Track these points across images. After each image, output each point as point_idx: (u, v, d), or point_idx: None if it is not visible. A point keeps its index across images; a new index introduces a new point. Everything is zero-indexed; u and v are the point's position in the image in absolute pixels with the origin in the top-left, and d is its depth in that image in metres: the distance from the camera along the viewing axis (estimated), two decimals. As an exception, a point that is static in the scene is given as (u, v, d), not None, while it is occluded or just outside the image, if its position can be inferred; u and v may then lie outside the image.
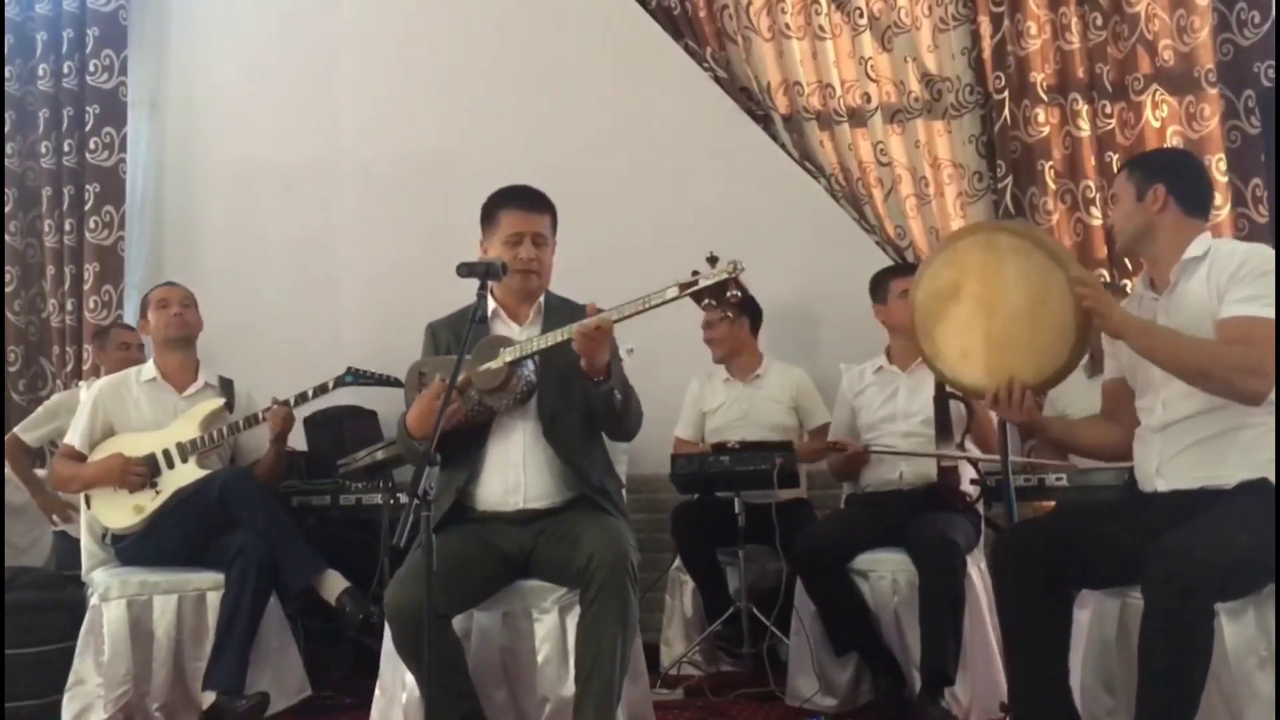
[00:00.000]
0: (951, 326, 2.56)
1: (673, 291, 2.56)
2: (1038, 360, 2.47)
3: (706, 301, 2.43)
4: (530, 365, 2.69)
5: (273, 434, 3.55)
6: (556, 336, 2.62)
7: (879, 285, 3.70)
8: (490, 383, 2.67)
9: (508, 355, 2.66)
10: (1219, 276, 2.35)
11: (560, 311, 2.90)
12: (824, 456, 3.70)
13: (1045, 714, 2.37)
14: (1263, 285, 2.29)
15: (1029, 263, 2.46)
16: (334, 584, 3.32)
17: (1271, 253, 2.37)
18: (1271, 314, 2.26)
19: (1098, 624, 2.48)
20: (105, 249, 4.79)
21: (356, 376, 3.73)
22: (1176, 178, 2.51)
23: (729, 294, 2.54)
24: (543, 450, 2.75)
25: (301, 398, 3.63)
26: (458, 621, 2.64)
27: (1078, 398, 3.35)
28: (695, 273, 2.55)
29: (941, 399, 3.27)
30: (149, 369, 3.65)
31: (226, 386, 3.71)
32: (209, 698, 3.17)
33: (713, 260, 2.53)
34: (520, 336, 2.85)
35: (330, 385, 3.68)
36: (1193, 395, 2.34)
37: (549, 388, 2.74)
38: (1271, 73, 3.81)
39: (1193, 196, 2.50)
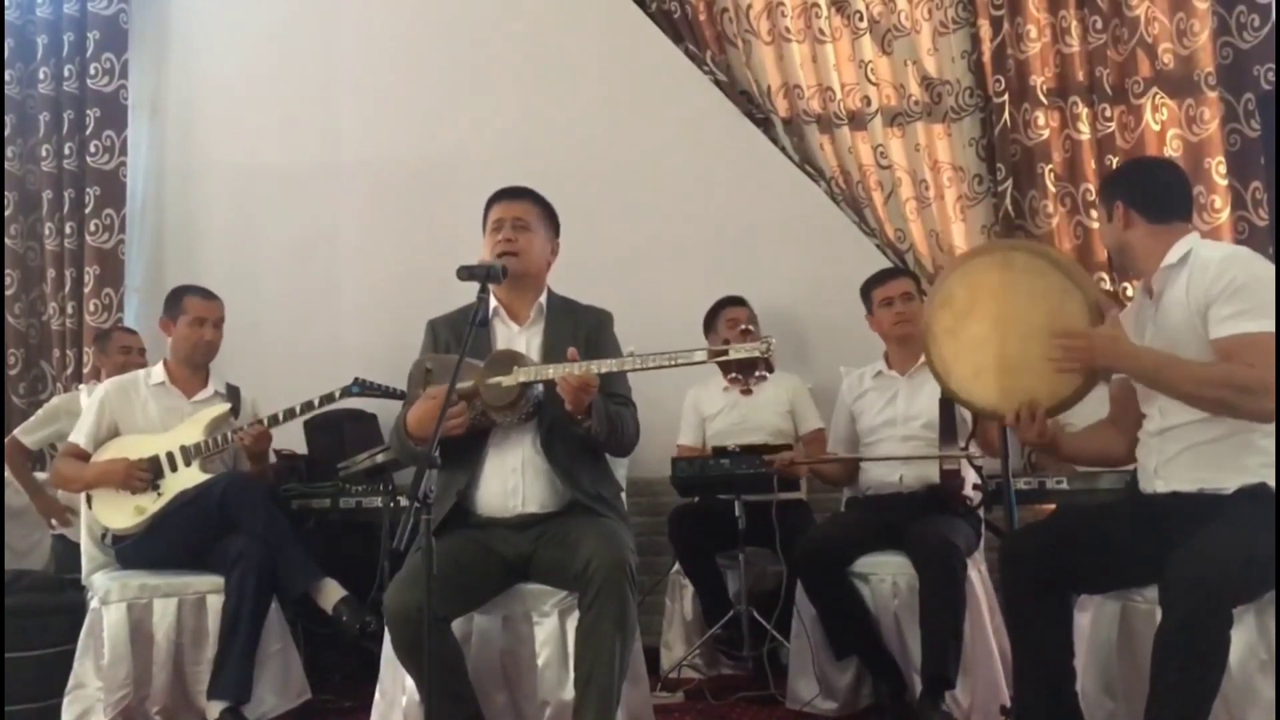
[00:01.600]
0: (966, 344, 2.54)
1: (700, 355, 2.55)
2: (1053, 383, 2.45)
3: (733, 375, 2.47)
4: (540, 385, 2.68)
5: (246, 453, 3.56)
6: (575, 368, 2.59)
7: (864, 296, 3.71)
8: (499, 399, 2.65)
9: (522, 376, 2.63)
10: (1197, 289, 2.32)
11: (563, 312, 2.90)
12: (801, 474, 3.67)
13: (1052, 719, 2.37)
14: (1250, 297, 2.25)
15: (1046, 283, 2.45)
16: (331, 592, 3.31)
17: (1251, 255, 2.35)
18: (1266, 327, 2.22)
19: (1098, 627, 2.48)
20: (106, 252, 4.79)
21: (363, 387, 3.72)
22: (1131, 190, 2.48)
23: (756, 373, 2.55)
24: (540, 458, 2.75)
25: (308, 406, 3.63)
26: (458, 625, 2.63)
27: (1080, 407, 3.34)
28: (726, 341, 2.55)
29: (947, 404, 3.26)
30: (158, 372, 3.65)
31: (233, 394, 3.71)
32: (215, 708, 3.16)
33: (746, 332, 2.56)
34: (521, 337, 2.85)
35: (337, 395, 3.67)
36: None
37: (552, 399, 2.72)
38: (1271, 76, 3.82)
39: (1153, 203, 2.46)
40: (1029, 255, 2.52)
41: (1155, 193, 2.49)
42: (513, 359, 2.67)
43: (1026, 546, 2.48)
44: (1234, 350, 2.25)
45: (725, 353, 2.54)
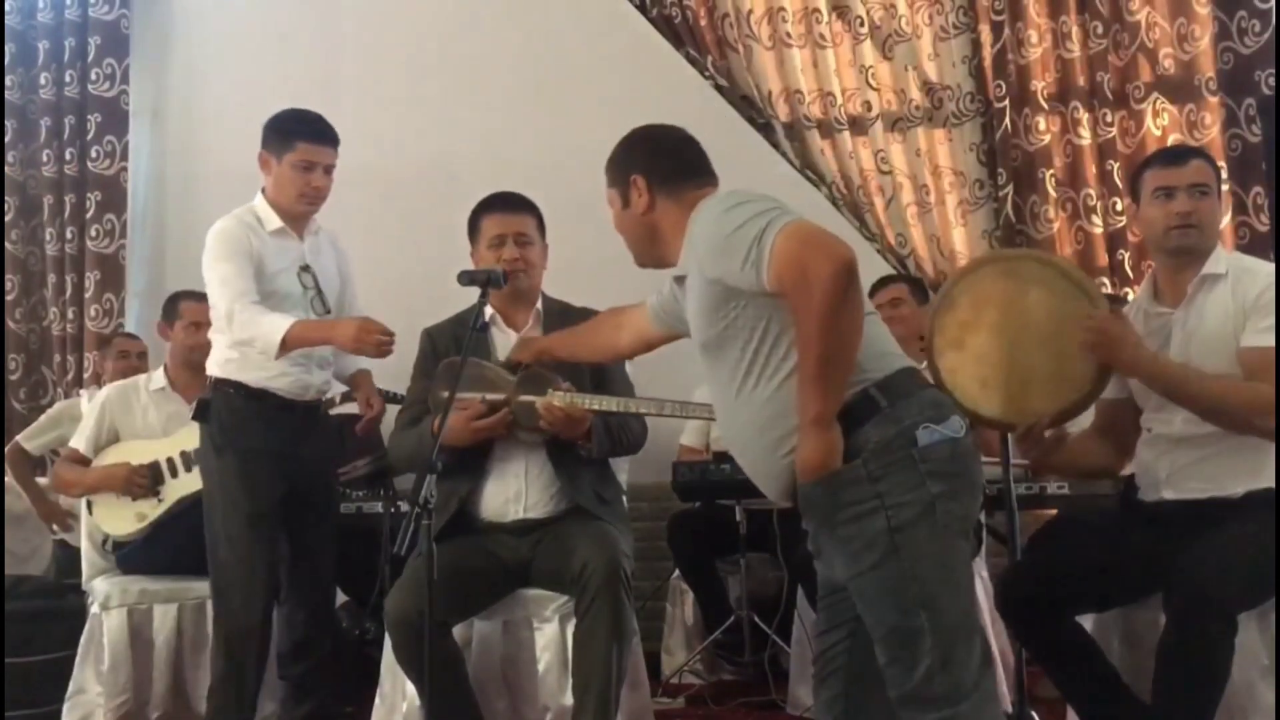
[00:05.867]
0: (970, 356, 2.47)
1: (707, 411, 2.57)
2: (1058, 391, 2.40)
3: None
4: None
5: None
6: (612, 405, 2.66)
7: None
8: (531, 419, 2.66)
9: (558, 400, 2.63)
10: (1244, 297, 2.33)
11: (559, 317, 2.90)
12: None
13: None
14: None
15: (1052, 291, 2.40)
16: (331, 597, 3.31)
17: None
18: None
19: (1100, 635, 2.46)
20: (107, 257, 4.79)
21: None
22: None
23: None
24: (542, 460, 2.75)
25: None
26: (458, 630, 2.63)
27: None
28: None
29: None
30: (159, 377, 3.64)
31: (235, 399, 3.70)
32: None
33: None
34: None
35: (337, 399, 3.67)
36: None
37: None
38: (1272, 81, 3.82)
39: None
40: (1037, 264, 2.48)
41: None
42: (547, 381, 2.67)
43: (1022, 581, 2.46)
44: (1259, 361, 2.26)
45: None
